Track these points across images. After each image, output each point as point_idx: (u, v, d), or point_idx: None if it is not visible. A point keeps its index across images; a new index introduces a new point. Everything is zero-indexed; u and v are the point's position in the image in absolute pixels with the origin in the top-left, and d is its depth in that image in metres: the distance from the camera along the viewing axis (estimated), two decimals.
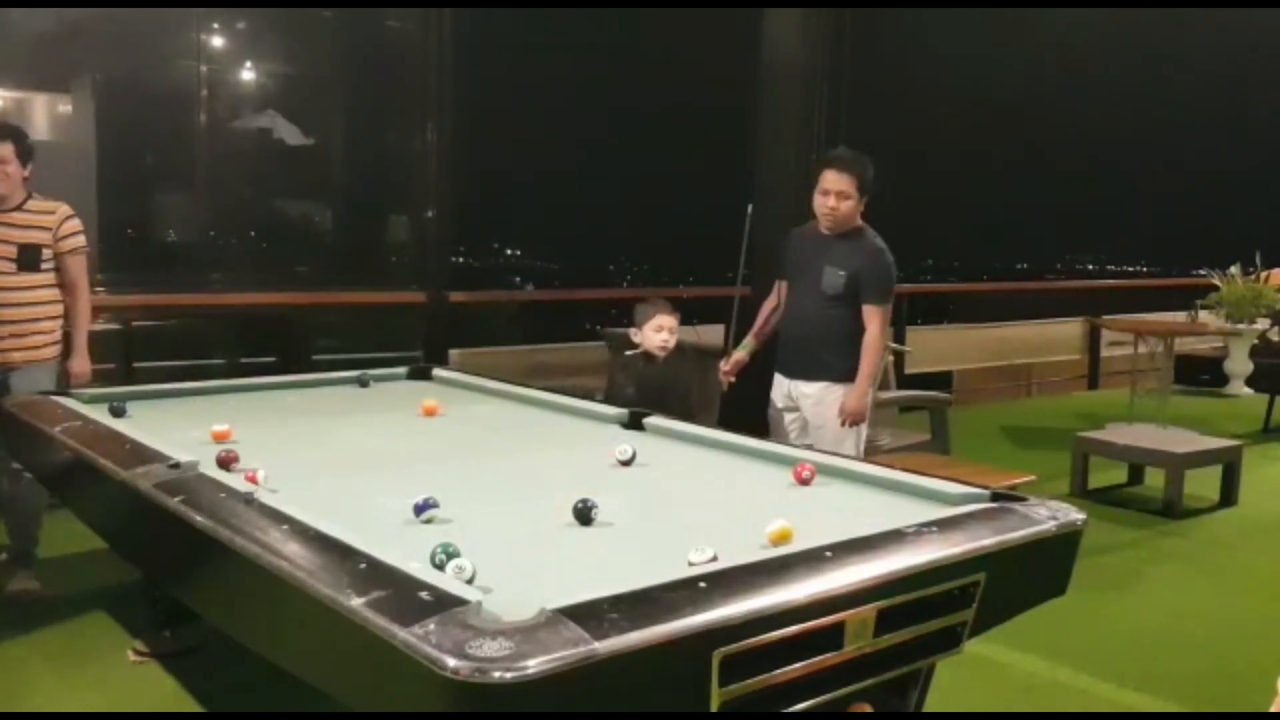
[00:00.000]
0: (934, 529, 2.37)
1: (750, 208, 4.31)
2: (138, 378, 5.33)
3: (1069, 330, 10.52)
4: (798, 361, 4.30)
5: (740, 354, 4.39)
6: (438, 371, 4.73)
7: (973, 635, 2.37)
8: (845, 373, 4.19)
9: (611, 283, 18.43)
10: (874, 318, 4.16)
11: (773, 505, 2.63)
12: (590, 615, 1.76)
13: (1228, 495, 6.01)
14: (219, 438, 3.18)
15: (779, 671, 1.96)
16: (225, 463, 2.83)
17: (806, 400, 4.28)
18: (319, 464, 3.14)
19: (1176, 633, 4.11)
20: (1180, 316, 9.90)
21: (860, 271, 4.14)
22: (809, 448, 3.73)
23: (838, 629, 2.05)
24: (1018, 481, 4.38)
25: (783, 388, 4.37)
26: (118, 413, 3.54)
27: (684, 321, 4.46)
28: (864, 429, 4.32)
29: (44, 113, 7.71)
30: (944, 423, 6.06)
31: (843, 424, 4.18)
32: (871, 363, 4.18)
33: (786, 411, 4.37)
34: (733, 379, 4.37)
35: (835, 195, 4.09)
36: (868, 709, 2.33)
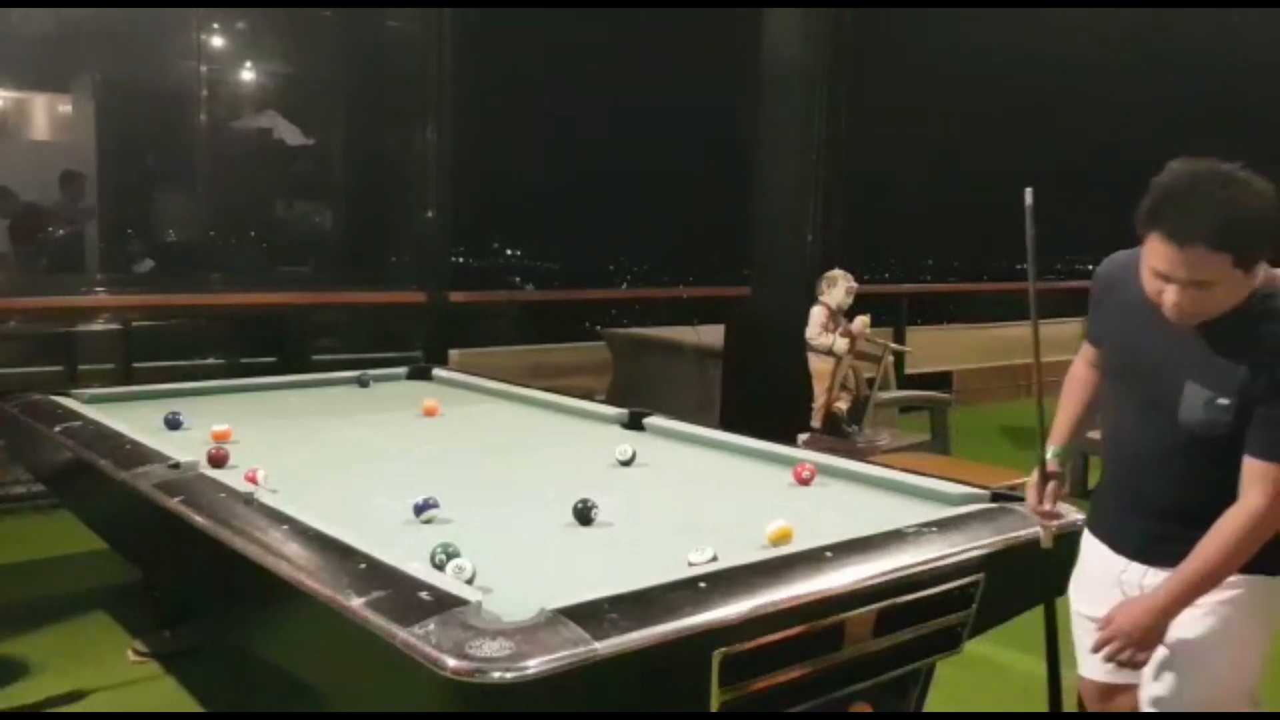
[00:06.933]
0: (934, 529, 2.37)
1: (1029, 192, 2.15)
2: (138, 378, 5.33)
3: (1069, 330, 10.48)
4: (1139, 529, 2.21)
5: (1052, 465, 2.35)
6: (438, 371, 4.73)
7: (973, 635, 2.36)
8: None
9: (611, 283, 18.46)
10: (1260, 480, 2.00)
11: (773, 505, 2.63)
12: (590, 615, 1.76)
13: None
14: (219, 438, 3.18)
15: (779, 672, 1.97)
16: (216, 460, 2.84)
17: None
18: (319, 464, 3.14)
19: None
20: None
21: (1256, 387, 1.99)
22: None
23: (838, 629, 2.05)
24: (1018, 482, 4.34)
25: (1111, 569, 2.25)
26: (174, 425, 3.43)
27: (684, 321, 4.31)
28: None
29: (44, 113, 7.71)
30: (944, 423, 6.07)
31: (1113, 654, 2.10)
32: (1226, 557, 2.03)
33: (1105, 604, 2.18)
34: (1054, 521, 2.35)
35: (1178, 287, 1.96)
36: (868, 709, 2.33)
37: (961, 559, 2.27)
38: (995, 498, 2.66)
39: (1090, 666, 2.34)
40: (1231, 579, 2.07)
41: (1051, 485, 2.32)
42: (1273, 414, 1.98)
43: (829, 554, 2.15)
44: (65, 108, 7.67)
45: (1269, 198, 1.92)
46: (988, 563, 2.31)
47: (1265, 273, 2.01)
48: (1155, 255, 1.96)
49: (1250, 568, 2.07)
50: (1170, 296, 1.97)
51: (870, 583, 2.10)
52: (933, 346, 9.06)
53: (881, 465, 3.10)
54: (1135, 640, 2.07)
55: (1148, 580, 2.16)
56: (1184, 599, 2.06)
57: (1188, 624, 2.11)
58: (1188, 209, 1.91)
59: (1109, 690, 2.34)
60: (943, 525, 2.41)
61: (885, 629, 2.14)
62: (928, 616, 2.23)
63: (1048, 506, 2.31)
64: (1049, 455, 2.35)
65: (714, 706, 1.85)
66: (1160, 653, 2.14)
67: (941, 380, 8.78)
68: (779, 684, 1.97)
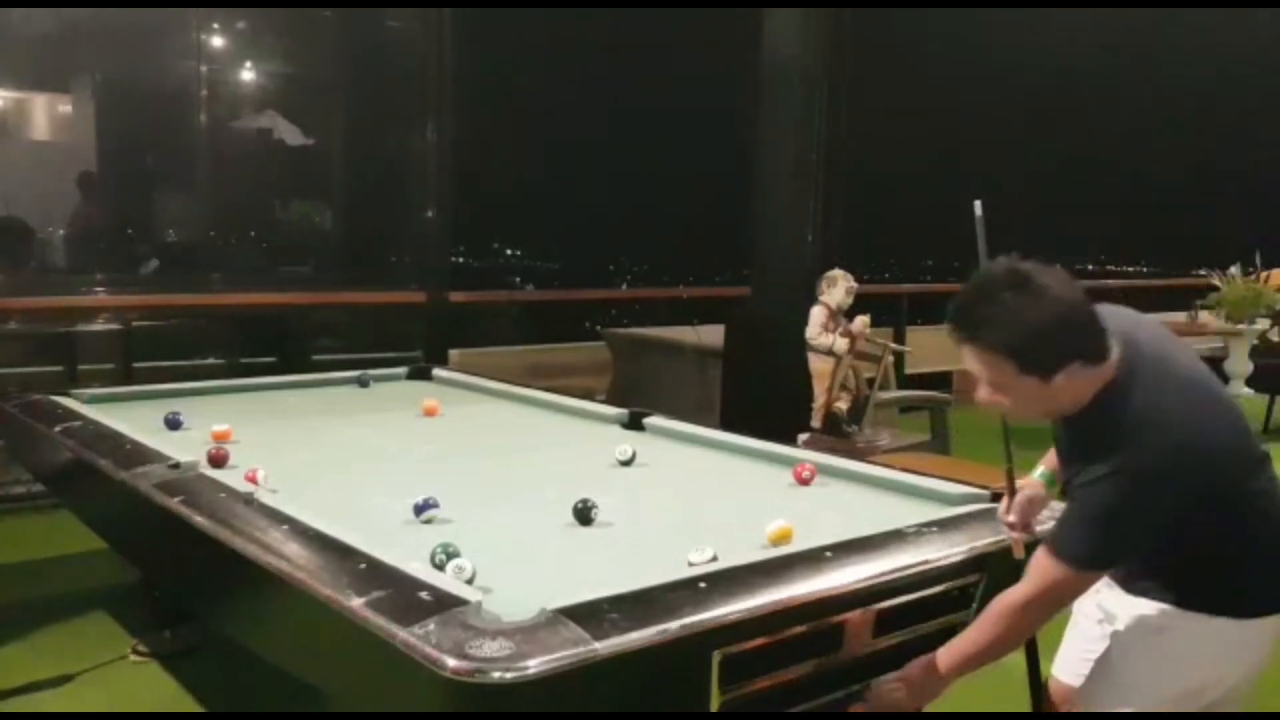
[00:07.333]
0: (934, 529, 2.37)
1: (978, 204, 2.25)
2: (138, 378, 5.33)
3: None
4: None
5: (1034, 484, 2.39)
6: (438, 371, 4.73)
7: None
8: (1187, 597, 2.07)
9: (611, 283, 18.47)
10: (1037, 568, 2.04)
11: (773, 505, 2.63)
12: (590, 615, 1.76)
13: None
14: (219, 438, 3.18)
15: (779, 672, 1.97)
16: (216, 460, 2.84)
17: (1122, 621, 2.20)
18: (319, 464, 3.14)
19: None
20: (1180, 316, 9.89)
21: (1072, 484, 2.05)
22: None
23: (838, 629, 2.05)
24: (1018, 482, 4.36)
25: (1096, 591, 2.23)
26: (174, 425, 3.43)
27: (684, 321, 4.29)
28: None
29: (44, 113, 7.70)
30: (944, 423, 6.06)
31: (889, 692, 2.14)
32: (990, 640, 2.08)
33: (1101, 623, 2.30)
34: (1020, 534, 2.33)
35: (984, 387, 2.01)
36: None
37: (962, 559, 2.28)
38: (995, 498, 2.65)
39: (1060, 667, 2.41)
40: (1164, 610, 2.07)
41: (1021, 497, 2.33)
42: (1070, 508, 2.01)
43: (829, 554, 2.15)
44: (65, 108, 7.66)
45: (1059, 311, 1.86)
46: (988, 563, 2.31)
47: (1124, 359, 1.95)
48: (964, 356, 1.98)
49: (1186, 603, 2.06)
50: (978, 392, 2.01)
51: (870, 583, 2.10)
52: (933, 346, 9.03)
53: (881, 465, 3.10)
54: (912, 691, 2.11)
55: (1115, 601, 2.21)
56: (953, 672, 2.10)
57: (1123, 643, 2.17)
58: (971, 311, 1.92)
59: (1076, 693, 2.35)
60: (943, 525, 2.41)
61: (885, 629, 2.14)
62: (928, 616, 2.24)
63: (1012, 518, 2.31)
64: (1036, 476, 2.38)
65: (714, 706, 1.85)
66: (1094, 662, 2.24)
67: (941, 380, 8.76)
68: (779, 684, 1.97)
